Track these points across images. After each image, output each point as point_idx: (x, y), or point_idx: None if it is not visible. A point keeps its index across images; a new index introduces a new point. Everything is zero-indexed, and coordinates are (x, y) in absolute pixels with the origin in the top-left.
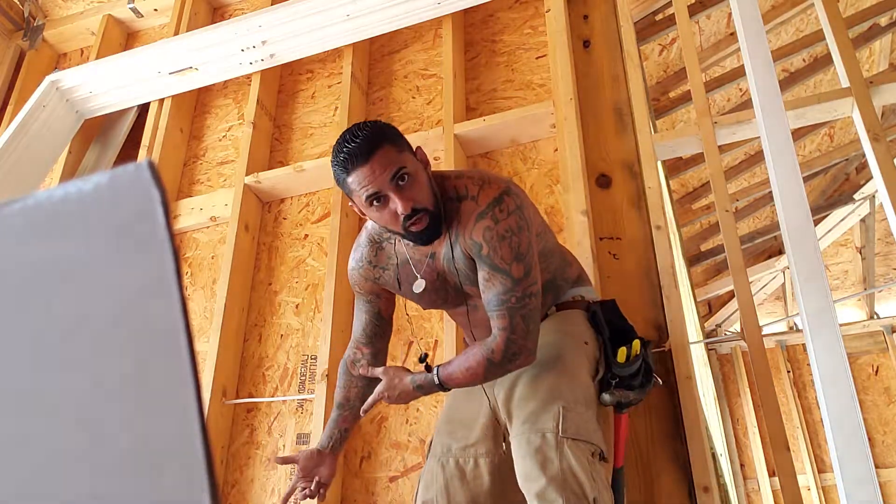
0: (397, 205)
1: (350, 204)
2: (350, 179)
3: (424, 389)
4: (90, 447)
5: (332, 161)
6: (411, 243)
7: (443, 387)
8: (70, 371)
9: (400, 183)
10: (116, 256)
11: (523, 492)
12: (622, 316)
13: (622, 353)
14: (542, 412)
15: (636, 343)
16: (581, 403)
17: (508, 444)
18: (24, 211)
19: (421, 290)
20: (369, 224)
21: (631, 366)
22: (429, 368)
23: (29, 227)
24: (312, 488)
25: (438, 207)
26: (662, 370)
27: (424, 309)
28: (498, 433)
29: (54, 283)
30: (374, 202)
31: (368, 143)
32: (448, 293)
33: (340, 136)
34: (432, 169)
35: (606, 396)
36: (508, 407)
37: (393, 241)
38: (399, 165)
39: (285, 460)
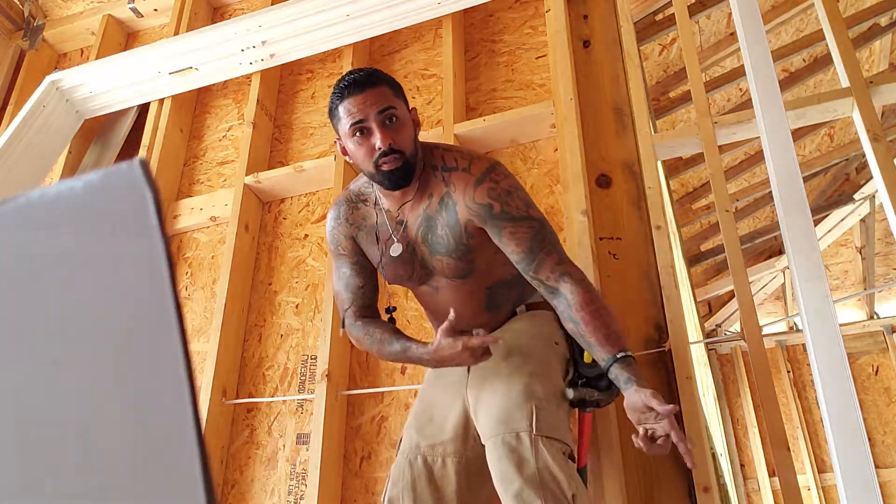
0: (377, 138)
1: (335, 141)
2: (342, 106)
3: (640, 375)
4: (84, 447)
5: (332, 92)
6: (384, 205)
7: (632, 358)
8: (62, 370)
9: (387, 121)
10: (109, 255)
11: (499, 494)
12: None
13: (587, 355)
14: (516, 412)
15: None
16: (553, 402)
17: (479, 445)
18: (18, 209)
19: (398, 253)
20: (351, 185)
21: (596, 366)
22: (392, 321)
23: (22, 225)
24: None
25: (415, 158)
26: (662, 370)
27: (389, 283)
28: (469, 433)
29: (47, 281)
30: (357, 133)
31: (369, 76)
32: (414, 267)
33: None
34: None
35: (570, 392)
36: (480, 408)
37: (369, 204)
38: (390, 104)
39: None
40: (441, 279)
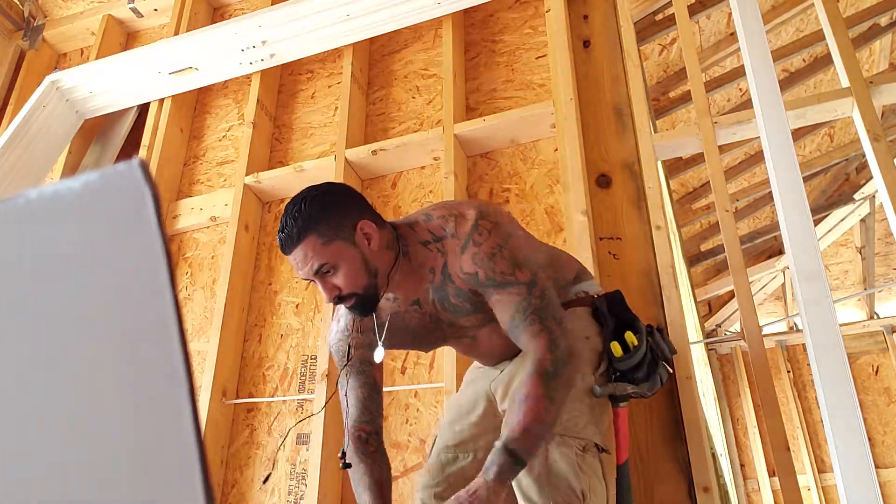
0: (323, 294)
1: None
2: (288, 258)
3: (503, 473)
4: (82, 446)
5: None
6: (392, 298)
7: (516, 457)
8: (61, 369)
9: (325, 275)
10: (108, 254)
11: (515, 491)
12: (626, 307)
13: (616, 348)
14: None
15: (629, 335)
16: (574, 399)
17: None
18: (16, 208)
19: (380, 359)
20: None
21: (630, 358)
22: (345, 464)
23: (21, 224)
24: None
25: (371, 287)
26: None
27: (426, 353)
28: (498, 425)
29: (45, 280)
30: (312, 283)
31: (292, 237)
32: (444, 331)
33: (284, 210)
34: (400, 219)
35: (597, 388)
36: (504, 405)
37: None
38: (321, 261)
39: None
40: (474, 330)
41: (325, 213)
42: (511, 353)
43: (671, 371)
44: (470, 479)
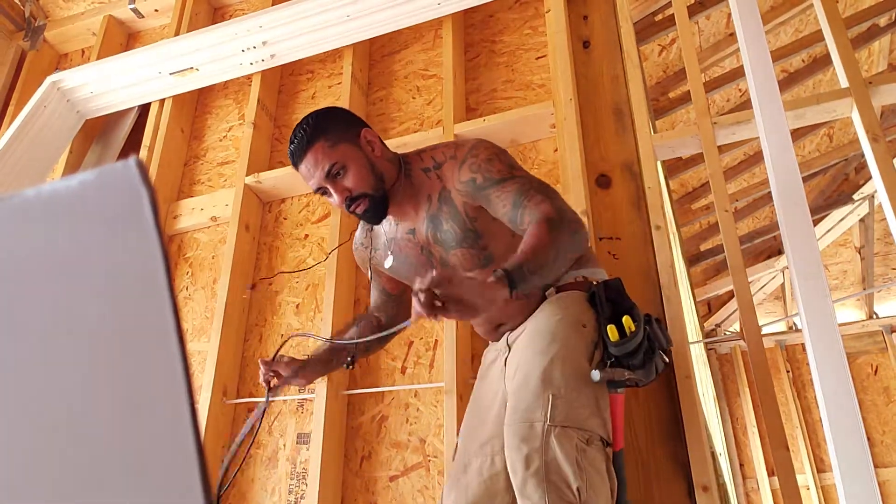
0: (334, 197)
1: None
2: (300, 172)
3: (489, 278)
4: (80, 447)
5: None
6: (392, 222)
7: (511, 274)
8: (58, 368)
9: (336, 176)
10: (105, 253)
11: (512, 485)
12: (624, 295)
13: (612, 332)
14: (533, 400)
15: (627, 319)
16: (573, 389)
17: None
18: (14, 207)
19: (390, 265)
20: None
21: (627, 344)
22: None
23: (18, 223)
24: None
25: (381, 187)
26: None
27: None
28: None
29: (42, 279)
30: (323, 195)
31: (302, 143)
32: (434, 267)
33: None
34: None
35: (596, 374)
36: (509, 397)
37: (382, 224)
38: (331, 162)
39: (266, 363)
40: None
41: (331, 122)
42: (506, 313)
43: (667, 361)
44: (487, 479)
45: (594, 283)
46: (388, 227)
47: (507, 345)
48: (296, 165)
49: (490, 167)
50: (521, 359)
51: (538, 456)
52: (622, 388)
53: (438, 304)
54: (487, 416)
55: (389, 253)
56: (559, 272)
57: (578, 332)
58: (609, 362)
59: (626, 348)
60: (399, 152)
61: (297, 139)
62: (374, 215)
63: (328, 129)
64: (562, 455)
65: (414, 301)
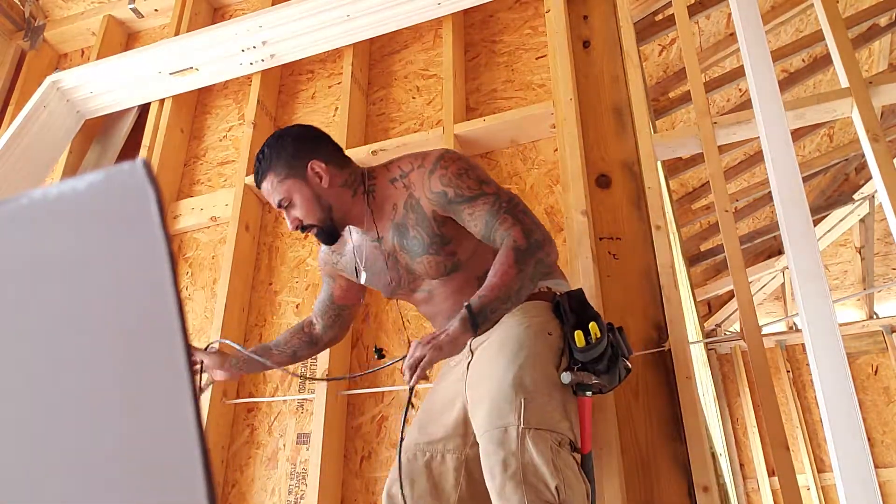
0: (287, 222)
1: None
2: None
3: (464, 324)
4: (85, 446)
5: None
6: (358, 232)
7: (475, 318)
8: (63, 369)
9: (286, 208)
10: (111, 254)
11: (489, 490)
12: (587, 305)
13: (579, 337)
14: (505, 405)
15: (593, 325)
16: (544, 393)
17: (478, 444)
18: (19, 209)
19: (364, 280)
20: None
21: (592, 350)
22: (379, 355)
23: (24, 225)
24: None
25: (327, 220)
26: (662, 370)
27: (386, 297)
28: (469, 431)
29: (48, 280)
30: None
31: (257, 174)
32: (400, 274)
33: None
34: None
35: (566, 376)
36: (474, 405)
37: (350, 230)
38: (279, 196)
39: (195, 349)
40: (430, 282)
41: (281, 156)
42: None
43: (629, 368)
44: (436, 475)
45: (558, 294)
46: (355, 236)
47: (471, 350)
48: (258, 188)
49: (461, 182)
50: (489, 368)
51: (515, 459)
52: (589, 392)
53: (422, 367)
54: (441, 417)
55: (362, 268)
56: (522, 299)
57: (545, 340)
58: (575, 368)
59: (592, 354)
60: (373, 165)
61: (256, 167)
62: (325, 240)
63: (276, 164)
64: (538, 456)
65: (405, 372)
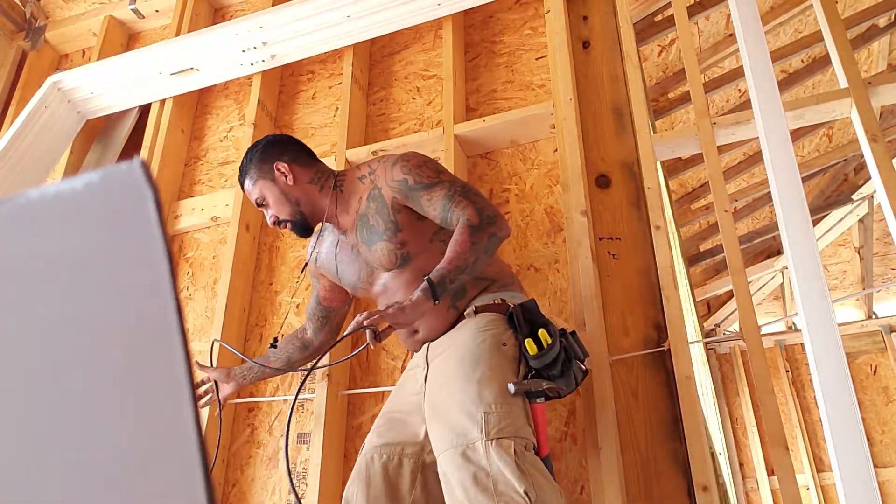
0: (267, 219)
1: None
2: None
3: (425, 291)
4: (83, 447)
5: None
6: (333, 229)
7: (435, 288)
8: (62, 369)
9: (263, 207)
10: (109, 254)
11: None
12: (539, 314)
13: (530, 345)
14: (467, 421)
15: (542, 332)
16: (504, 403)
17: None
18: (18, 209)
19: (339, 273)
20: None
21: (545, 356)
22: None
23: (22, 224)
24: (204, 398)
25: (297, 213)
26: (662, 370)
27: (351, 294)
28: (427, 442)
29: (46, 280)
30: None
31: (240, 181)
32: (360, 267)
33: None
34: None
35: (511, 386)
36: (433, 420)
37: (327, 228)
38: (255, 197)
39: (202, 367)
40: (383, 274)
41: (253, 162)
42: (429, 325)
43: (585, 370)
44: (392, 477)
45: (511, 305)
46: (332, 234)
47: (427, 361)
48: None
49: (420, 172)
50: (448, 386)
51: (483, 472)
52: (541, 398)
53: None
54: (400, 425)
55: (335, 261)
56: (478, 271)
57: (501, 352)
58: (530, 375)
59: (545, 360)
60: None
61: (238, 175)
62: (300, 233)
63: (249, 169)
64: (503, 465)
65: (368, 334)
